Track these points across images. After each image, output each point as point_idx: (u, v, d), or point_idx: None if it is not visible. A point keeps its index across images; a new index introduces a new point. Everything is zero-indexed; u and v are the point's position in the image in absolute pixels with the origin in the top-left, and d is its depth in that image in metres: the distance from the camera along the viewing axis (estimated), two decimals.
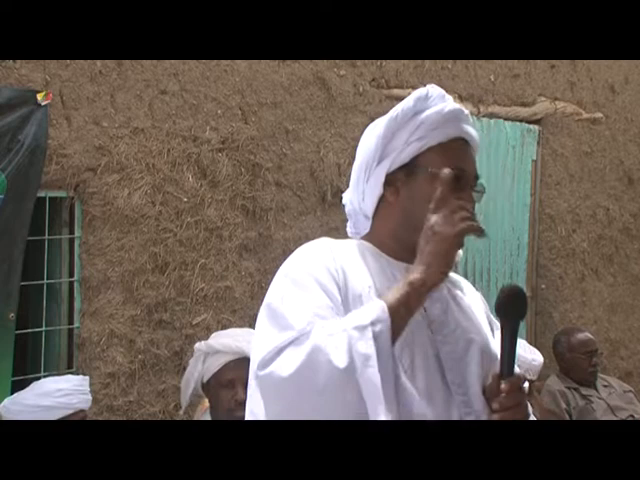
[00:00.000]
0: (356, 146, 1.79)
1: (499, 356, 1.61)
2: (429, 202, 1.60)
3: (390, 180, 1.69)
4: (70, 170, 3.39)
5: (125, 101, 3.55)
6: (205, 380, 2.85)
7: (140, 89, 3.59)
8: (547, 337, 5.08)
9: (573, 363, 4.38)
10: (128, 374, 3.57)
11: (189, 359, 3.03)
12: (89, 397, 2.94)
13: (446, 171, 1.60)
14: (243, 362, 2.68)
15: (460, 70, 4.80)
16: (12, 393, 3.00)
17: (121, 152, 3.51)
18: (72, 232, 3.50)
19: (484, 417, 1.59)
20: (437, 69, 4.68)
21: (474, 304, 1.78)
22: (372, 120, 1.80)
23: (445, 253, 1.54)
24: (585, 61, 5.46)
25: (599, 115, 5.62)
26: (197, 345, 2.93)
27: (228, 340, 2.86)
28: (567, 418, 4.19)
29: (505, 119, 5.06)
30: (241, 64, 3.89)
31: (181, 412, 3.04)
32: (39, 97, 3.13)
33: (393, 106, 1.73)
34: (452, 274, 1.79)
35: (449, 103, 1.71)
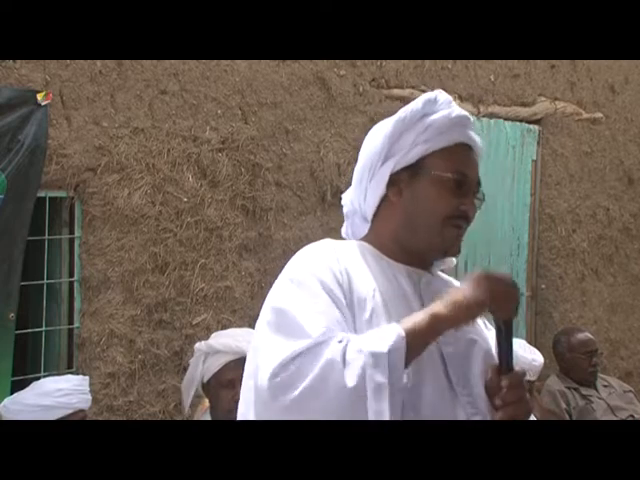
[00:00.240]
0: (356, 146, 1.79)
1: (497, 352, 1.62)
2: (431, 205, 1.63)
3: (393, 180, 1.69)
4: (70, 170, 3.39)
5: (125, 101, 3.55)
6: (205, 380, 2.85)
7: (140, 89, 3.59)
8: (547, 337, 5.08)
9: (573, 363, 4.38)
10: (128, 374, 3.58)
11: (189, 359, 3.03)
12: (89, 397, 2.94)
13: (450, 175, 1.63)
14: (243, 362, 2.67)
15: (460, 70, 4.80)
16: (12, 393, 3.00)
17: (121, 152, 3.51)
18: (72, 232, 3.50)
19: (489, 417, 1.59)
20: (437, 69, 4.68)
21: None
22: (372, 120, 1.82)
23: (480, 304, 1.54)
24: (585, 61, 5.46)
25: (599, 115, 5.62)
26: (197, 345, 2.93)
27: (228, 340, 2.87)
28: (567, 418, 4.19)
29: (505, 119, 5.06)
30: (241, 64, 3.89)
31: (186, 413, 3.02)
32: (39, 97, 3.13)
33: (393, 106, 1.74)
34: (444, 275, 1.80)
35: (456, 109, 1.73)
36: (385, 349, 1.45)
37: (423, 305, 1.65)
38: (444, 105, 1.72)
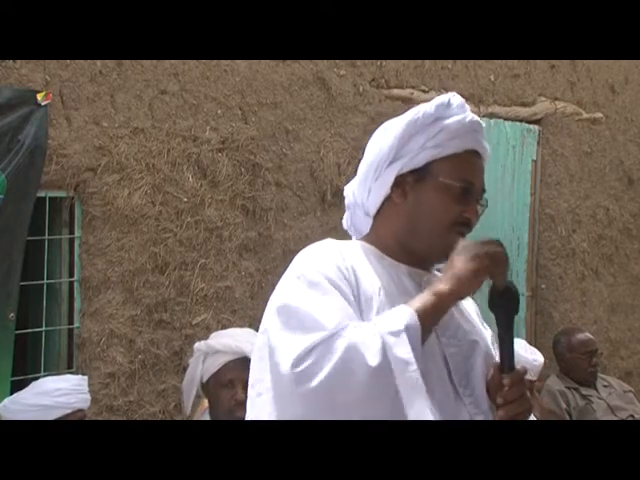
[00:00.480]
0: (356, 146, 1.80)
1: (498, 351, 1.62)
2: (435, 211, 1.64)
3: (399, 182, 1.68)
4: (70, 170, 3.39)
5: (125, 101, 3.55)
6: (205, 380, 2.85)
7: (140, 89, 3.59)
8: (547, 337, 5.08)
9: (573, 363, 4.38)
10: (128, 374, 3.57)
11: (189, 359, 3.03)
12: (88, 397, 2.94)
13: (457, 184, 1.64)
14: (243, 362, 2.68)
15: (460, 70, 4.80)
16: (12, 393, 3.00)
17: (121, 152, 3.51)
18: (72, 232, 3.50)
19: (491, 417, 1.60)
20: (437, 69, 4.68)
21: (468, 305, 1.79)
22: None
23: (476, 272, 1.56)
24: (585, 61, 5.46)
25: (599, 115, 5.62)
26: (197, 345, 2.93)
27: (228, 340, 2.87)
28: (567, 418, 4.19)
29: (505, 119, 5.05)
30: (241, 64, 3.89)
31: (188, 413, 3.02)
32: (39, 97, 3.13)
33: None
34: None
35: (469, 114, 1.71)
36: (402, 326, 1.47)
37: None
38: (457, 109, 1.70)
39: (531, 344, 4.32)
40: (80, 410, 2.89)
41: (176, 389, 3.61)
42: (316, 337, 1.47)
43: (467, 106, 1.73)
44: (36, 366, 3.49)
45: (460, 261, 1.56)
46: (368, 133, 1.83)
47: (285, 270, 1.67)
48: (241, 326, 3.62)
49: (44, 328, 3.48)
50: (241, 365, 2.68)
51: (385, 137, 1.71)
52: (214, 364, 2.82)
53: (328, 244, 1.68)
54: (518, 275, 5.23)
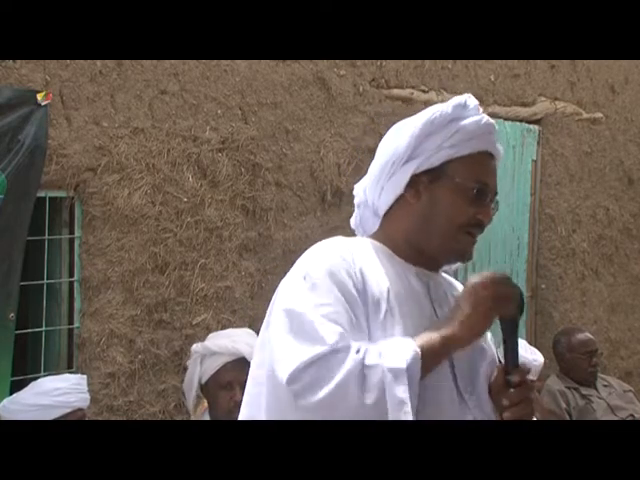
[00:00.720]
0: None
1: (503, 353, 1.62)
2: (450, 211, 1.64)
3: (413, 182, 1.68)
4: (70, 170, 3.38)
5: (125, 101, 3.54)
6: (203, 381, 2.85)
7: (140, 89, 3.59)
8: (547, 337, 5.08)
9: (573, 363, 4.38)
10: (128, 374, 3.57)
11: (188, 360, 3.03)
12: (87, 396, 2.94)
13: (472, 185, 1.64)
14: (240, 363, 2.68)
15: (460, 70, 4.80)
16: (12, 393, 3.00)
17: (121, 152, 3.51)
18: (72, 232, 3.50)
19: (494, 419, 1.60)
20: (437, 69, 4.68)
21: None
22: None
23: (486, 317, 1.56)
24: (585, 61, 5.46)
25: (599, 115, 5.62)
26: (194, 347, 2.93)
27: (225, 341, 2.86)
28: (567, 418, 4.19)
29: (505, 119, 5.05)
30: (241, 64, 3.89)
31: (192, 415, 3.02)
32: (39, 97, 3.13)
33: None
34: (447, 276, 1.80)
35: (484, 116, 1.71)
36: (403, 365, 1.46)
37: (433, 306, 1.67)
38: (473, 111, 1.71)
39: (531, 344, 4.33)
40: (80, 409, 2.88)
41: (176, 389, 3.61)
42: (315, 351, 1.46)
43: (480, 108, 1.74)
44: (36, 366, 3.49)
45: (469, 306, 1.56)
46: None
47: (285, 270, 1.67)
48: (241, 326, 3.62)
49: (44, 328, 3.47)
50: (239, 366, 2.68)
51: (400, 136, 1.70)
52: (212, 366, 2.82)
53: (338, 244, 1.67)
54: (518, 275, 5.23)
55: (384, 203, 1.72)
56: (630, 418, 4.27)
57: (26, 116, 3.09)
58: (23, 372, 3.44)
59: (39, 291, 3.46)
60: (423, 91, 4.57)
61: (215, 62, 3.80)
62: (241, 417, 1.65)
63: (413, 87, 4.54)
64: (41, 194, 3.28)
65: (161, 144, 3.64)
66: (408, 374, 1.46)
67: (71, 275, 3.51)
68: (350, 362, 1.45)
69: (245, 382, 2.58)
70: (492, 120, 1.73)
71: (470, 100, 1.72)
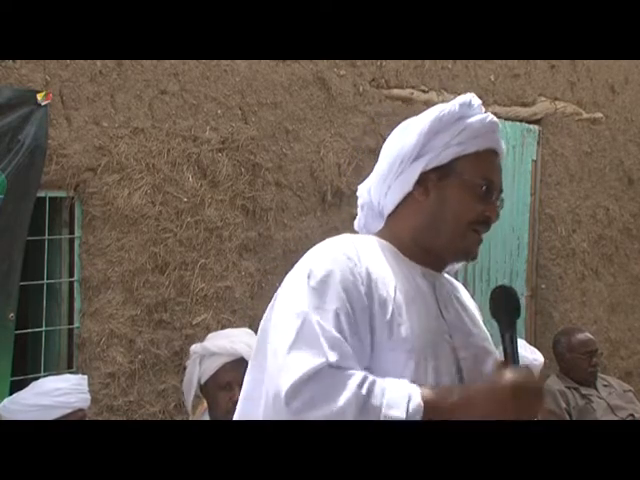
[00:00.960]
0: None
1: (503, 353, 1.63)
2: (459, 209, 1.64)
3: (422, 179, 1.68)
4: (70, 170, 3.38)
5: (125, 101, 3.54)
6: (202, 382, 2.84)
7: (140, 89, 3.59)
8: (547, 337, 5.08)
9: (573, 363, 4.38)
10: (128, 374, 3.57)
11: (188, 360, 3.03)
12: (88, 396, 2.94)
13: (480, 181, 1.65)
14: (239, 363, 2.68)
15: (460, 70, 4.80)
16: (12, 393, 3.00)
17: (121, 152, 3.51)
18: (72, 232, 3.50)
19: None
20: (437, 69, 4.68)
21: (470, 304, 1.79)
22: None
23: (495, 413, 1.53)
24: (585, 61, 5.45)
25: (599, 115, 5.62)
26: (192, 348, 2.92)
27: (224, 342, 2.86)
28: (567, 418, 4.19)
29: (505, 119, 5.05)
30: (241, 64, 3.89)
31: (191, 416, 3.02)
32: (39, 97, 3.13)
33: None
34: (450, 277, 1.80)
35: (489, 114, 1.73)
36: (403, 416, 1.45)
37: (439, 307, 1.66)
38: (478, 109, 1.72)
39: (531, 344, 4.32)
40: (80, 410, 2.88)
41: (176, 389, 3.61)
42: (314, 363, 1.45)
43: (483, 107, 1.75)
44: (36, 366, 3.49)
45: (486, 402, 1.53)
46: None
47: (285, 270, 1.66)
48: (241, 326, 3.61)
49: (44, 328, 3.47)
50: (238, 367, 2.68)
51: (407, 135, 1.70)
52: (211, 367, 2.81)
53: (343, 241, 1.66)
54: (518, 275, 5.24)
55: (391, 202, 1.72)
56: (630, 418, 4.27)
57: (26, 116, 3.09)
58: (23, 372, 3.44)
59: (39, 291, 3.46)
60: (423, 91, 4.57)
61: (215, 62, 3.80)
62: (241, 399, 1.65)
63: (413, 87, 4.54)
64: (41, 194, 3.28)
65: (161, 144, 3.64)
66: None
67: (71, 275, 3.51)
68: (350, 392, 1.44)
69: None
70: (496, 118, 1.74)
71: (474, 99, 1.73)
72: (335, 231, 3.93)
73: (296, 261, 1.67)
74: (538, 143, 5.30)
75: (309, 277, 1.57)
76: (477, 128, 1.69)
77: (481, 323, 1.77)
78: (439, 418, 1.49)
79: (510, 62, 5.04)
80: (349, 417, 1.43)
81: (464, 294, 1.81)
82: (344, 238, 1.68)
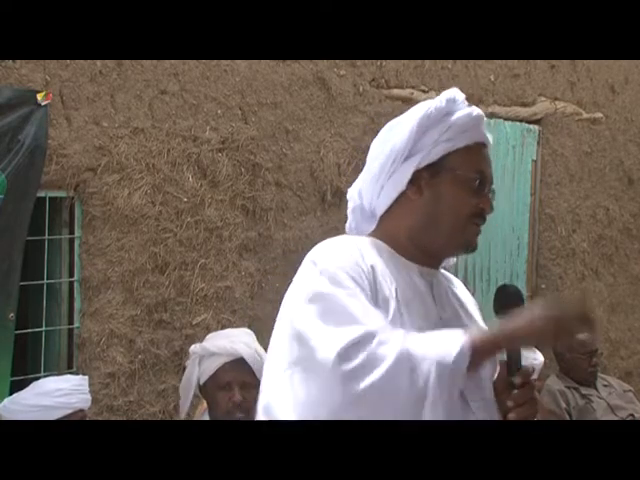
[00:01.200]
0: (356, 146, 1.79)
1: (505, 354, 1.62)
2: (455, 204, 1.65)
3: (414, 178, 1.68)
4: (70, 170, 3.39)
5: (125, 101, 3.55)
6: (202, 382, 2.84)
7: (140, 89, 3.59)
8: None
9: (573, 363, 4.38)
10: (128, 374, 3.58)
11: (187, 360, 3.02)
12: (88, 397, 2.94)
13: (473, 175, 1.66)
14: (239, 363, 2.68)
15: (460, 70, 4.80)
16: (12, 393, 2.99)
17: (121, 152, 3.51)
18: (72, 232, 3.50)
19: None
20: (437, 69, 4.68)
21: (471, 306, 1.79)
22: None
23: (530, 336, 1.55)
24: (585, 61, 5.45)
25: (599, 115, 5.62)
26: (192, 348, 2.92)
27: (223, 342, 2.85)
28: (567, 418, 4.19)
29: (505, 119, 5.05)
30: (241, 64, 3.89)
31: (182, 416, 3.01)
32: (39, 97, 3.13)
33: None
34: (446, 272, 1.80)
35: (474, 108, 1.73)
36: (450, 360, 1.46)
37: (436, 304, 1.67)
38: (462, 104, 1.72)
39: None
40: (81, 410, 2.88)
41: (176, 389, 3.61)
42: (358, 331, 1.46)
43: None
44: (36, 366, 3.49)
45: (528, 325, 1.53)
46: (368, 133, 1.83)
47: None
48: (241, 326, 3.61)
49: (44, 328, 3.48)
50: (237, 367, 2.68)
51: (396, 134, 1.70)
52: (210, 367, 2.81)
53: (345, 241, 1.67)
54: (518, 275, 5.23)
55: (384, 202, 1.72)
56: (630, 418, 4.27)
57: (26, 116, 3.09)
58: (23, 372, 3.44)
59: (39, 291, 3.46)
60: (423, 91, 4.57)
61: (215, 62, 3.80)
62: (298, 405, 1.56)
63: (413, 87, 4.54)
64: (41, 194, 3.28)
65: (161, 144, 3.64)
66: (452, 368, 1.46)
67: (71, 275, 3.52)
68: (396, 348, 1.45)
69: (243, 382, 2.56)
70: (480, 111, 1.74)
71: (458, 94, 1.73)
72: (335, 231, 3.91)
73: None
74: (538, 143, 5.30)
75: (322, 274, 1.56)
76: (465, 123, 1.69)
77: (478, 318, 1.77)
78: (486, 355, 1.52)
79: (510, 62, 5.04)
80: (402, 378, 1.44)
81: (461, 289, 1.81)
82: (344, 239, 1.68)
